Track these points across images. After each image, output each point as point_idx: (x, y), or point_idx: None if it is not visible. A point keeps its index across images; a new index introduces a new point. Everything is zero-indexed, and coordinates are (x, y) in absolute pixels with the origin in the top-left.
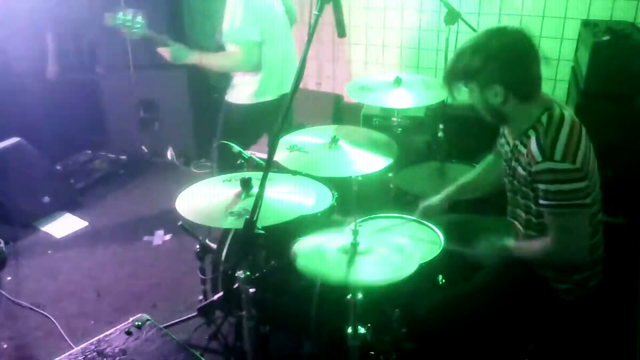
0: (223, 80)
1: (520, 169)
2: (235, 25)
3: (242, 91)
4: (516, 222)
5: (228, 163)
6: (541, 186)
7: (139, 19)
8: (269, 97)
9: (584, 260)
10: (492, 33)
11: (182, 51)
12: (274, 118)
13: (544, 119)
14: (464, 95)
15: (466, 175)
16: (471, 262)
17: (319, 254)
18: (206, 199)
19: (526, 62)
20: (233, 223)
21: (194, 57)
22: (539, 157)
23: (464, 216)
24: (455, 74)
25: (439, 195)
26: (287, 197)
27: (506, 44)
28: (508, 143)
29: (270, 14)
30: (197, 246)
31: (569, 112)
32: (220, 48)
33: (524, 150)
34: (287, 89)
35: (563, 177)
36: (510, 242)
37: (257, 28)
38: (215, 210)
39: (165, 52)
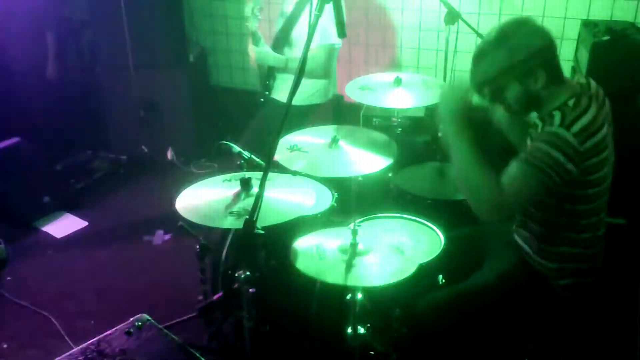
0: (268, 79)
1: (530, 142)
2: (320, 29)
3: (301, 92)
4: (520, 219)
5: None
6: (533, 144)
7: (258, 15)
8: (318, 101)
9: (493, 217)
10: (510, 25)
11: (269, 54)
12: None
13: (571, 102)
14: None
15: None
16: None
17: (318, 255)
18: (206, 199)
19: (552, 41)
20: (233, 223)
21: (280, 60)
22: (557, 122)
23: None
24: (494, 77)
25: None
26: (287, 197)
27: (533, 30)
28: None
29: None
30: (197, 246)
31: (596, 105)
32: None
33: (540, 125)
34: (332, 94)
35: (562, 145)
36: (470, 151)
37: (331, 33)
38: (215, 210)
39: (253, 51)
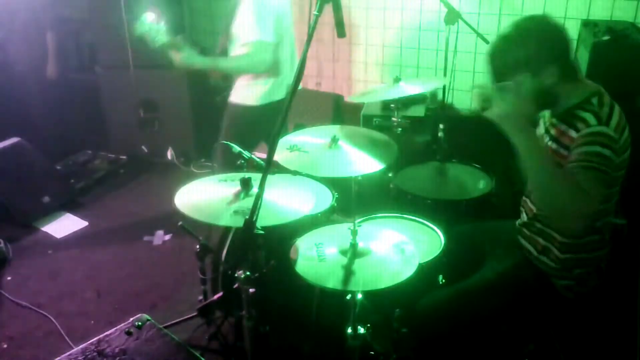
0: (226, 81)
1: (563, 150)
2: (251, 26)
3: (249, 92)
4: (529, 202)
5: (230, 163)
6: (582, 148)
7: (162, 25)
8: (276, 99)
9: (579, 227)
10: (525, 21)
11: (194, 57)
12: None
13: (594, 100)
14: (464, 96)
15: None
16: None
17: (318, 256)
18: (206, 197)
19: (567, 38)
20: (233, 220)
21: (207, 62)
22: (593, 122)
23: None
24: (506, 71)
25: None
26: (287, 198)
27: (547, 25)
28: (545, 130)
29: (282, 15)
30: (197, 246)
31: (617, 105)
32: (223, 50)
33: (563, 127)
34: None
35: (608, 142)
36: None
37: (272, 29)
38: (214, 207)
39: (176, 56)
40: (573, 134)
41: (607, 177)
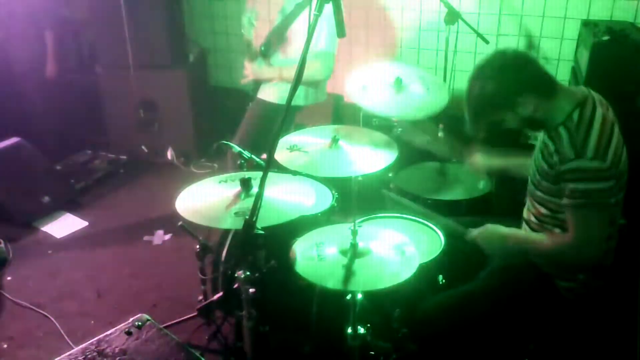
0: (256, 84)
1: (544, 164)
2: (321, 36)
3: (286, 91)
4: (532, 216)
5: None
6: (570, 185)
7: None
8: (302, 103)
9: (595, 261)
10: (486, 60)
11: (263, 69)
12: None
13: (575, 115)
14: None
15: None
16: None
17: (318, 256)
18: (206, 200)
19: (530, 59)
20: (233, 223)
21: (273, 72)
22: (571, 155)
23: (469, 220)
24: (486, 113)
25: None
26: (287, 197)
27: (506, 56)
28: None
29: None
30: (197, 246)
31: (602, 109)
32: (264, 52)
33: (551, 146)
34: (313, 99)
35: (592, 175)
36: (520, 233)
37: (336, 40)
38: (214, 210)
39: (249, 67)
40: (552, 151)
41: (608, 206)
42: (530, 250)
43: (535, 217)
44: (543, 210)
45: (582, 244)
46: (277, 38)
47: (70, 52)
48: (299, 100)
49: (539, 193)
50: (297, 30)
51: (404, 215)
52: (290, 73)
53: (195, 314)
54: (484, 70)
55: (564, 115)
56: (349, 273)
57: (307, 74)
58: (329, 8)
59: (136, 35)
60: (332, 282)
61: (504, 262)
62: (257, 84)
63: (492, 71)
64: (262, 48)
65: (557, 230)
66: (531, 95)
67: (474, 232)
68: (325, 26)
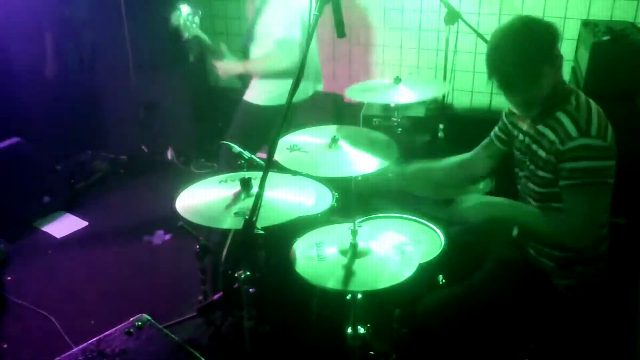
0: (242, 80)
1: (542, 152)
2: (277, 25)
3: (263, 92)
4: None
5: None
6: (569, 165)
7: (197, 18)
8: (295, 99)
9: (587, 244)
10: (525, 21)
11: (231, 64)
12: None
13: (572, 99)
14: (464, 96)
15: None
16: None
17: (318, 256)
18: (206, 200)
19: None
20: (234, 222)
21: (238, 67)
22: (574, 133)
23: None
24: (536, 61)
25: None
26: (287, 197)
27: (544, 24)
28: (522, 132)
29: (306, 16)
30: (197, 246)
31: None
32: (244, 50)
33: (550, 134)
34: (310, 92)
35: (596, 153)
36: (512, 203)
37: (298, 28)
38: (216, 210)
39: (220, 66)
40: (552, 136)
41: (608, 185)
42: (520, 218)
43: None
44: (537, 204)
45: (576, 224)
46: (250, 36)
47: (70, 52)
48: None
49: (531, 185)
50: (264, 24)
51: (404, 216)
52: (254, 65)
53: (195, 314)
54: (516, 29)
55: (559, 102)
56: (349, 273)
57: (268, 64)
58: None
59: (136, 35)
60: (332, 282)
61: (501, 260)
62: (245, 83)
63: (539, 30)
64: (243, 45)
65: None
66: (553, 70)
67: (457, 206)
68: (281, 13)
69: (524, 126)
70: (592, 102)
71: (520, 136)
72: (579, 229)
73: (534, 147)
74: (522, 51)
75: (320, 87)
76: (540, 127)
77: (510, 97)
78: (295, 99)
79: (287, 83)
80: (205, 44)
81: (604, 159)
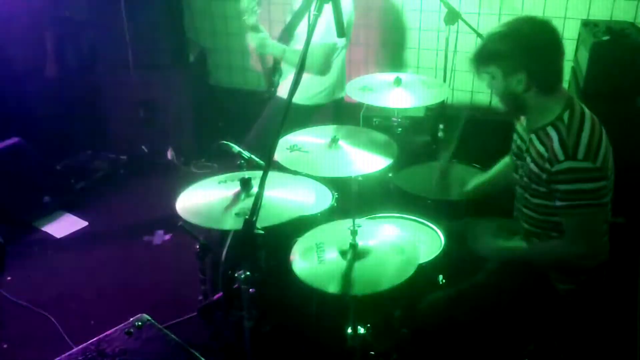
0: (267, 81)
1: (532, 165)
2: (322, 27)
3: (301, 91)
4: (521, 220)
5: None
6: (561, 187)
7: (257, 7)
8: (322, 101)
9: (595, 261)
10: (523, 20)
11: (267, 41)
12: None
13: (566, 116)
14: (464, 96)
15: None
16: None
17: (318, 258)
18: (206, 201)
19: (552, 52)
20: (235, 223)
21: (277, 49)
22: (561, 157)
23: (467, 220)
24: (482, 57)
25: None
26: (287, 197)
27: (535, 32)
28: (521, 137)
29: (350, 22)
30: (197, 246)
31: (587, 110)
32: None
33: (540, 147)
34: (338, 95)
35: (584, 176)
36: (518, 244)
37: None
38: (216, 211)
39: (257, 38)
40: (541, 149)
41: (604, 205)
42: (534, 261)
43: (526, 223)
44: (533, 214)
45: (579, 246)
46: (288, 35)
47: (70, 52)
48: (319, 98)
49: (527, 196)
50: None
51: (404, 215)
52: (293, 55)
53: (195, 314)
54: (520, 25)
55: (553, 116)
56: (348, 274)
57: (306, 59)
58: None
59: (136, 35)
60: (333, 286)
61: (503, 262)
62: (272, 79)
63: (516, 34)
64: (279, 37)
65: (553, 234)
66: (528, 79)
67: (477, 245)
68: (325, 16)
69: (523, 132)
70: (587, 115)
71: (518, 141)
72: (584, 246)
73: (525, 156)
74: (513, 37)
75: (343, 94)
76: (533, 138)
77: (489, 83)
78: (314, 101)
79: (325, 83)
80: (257, 28)
81: (594, 181)
